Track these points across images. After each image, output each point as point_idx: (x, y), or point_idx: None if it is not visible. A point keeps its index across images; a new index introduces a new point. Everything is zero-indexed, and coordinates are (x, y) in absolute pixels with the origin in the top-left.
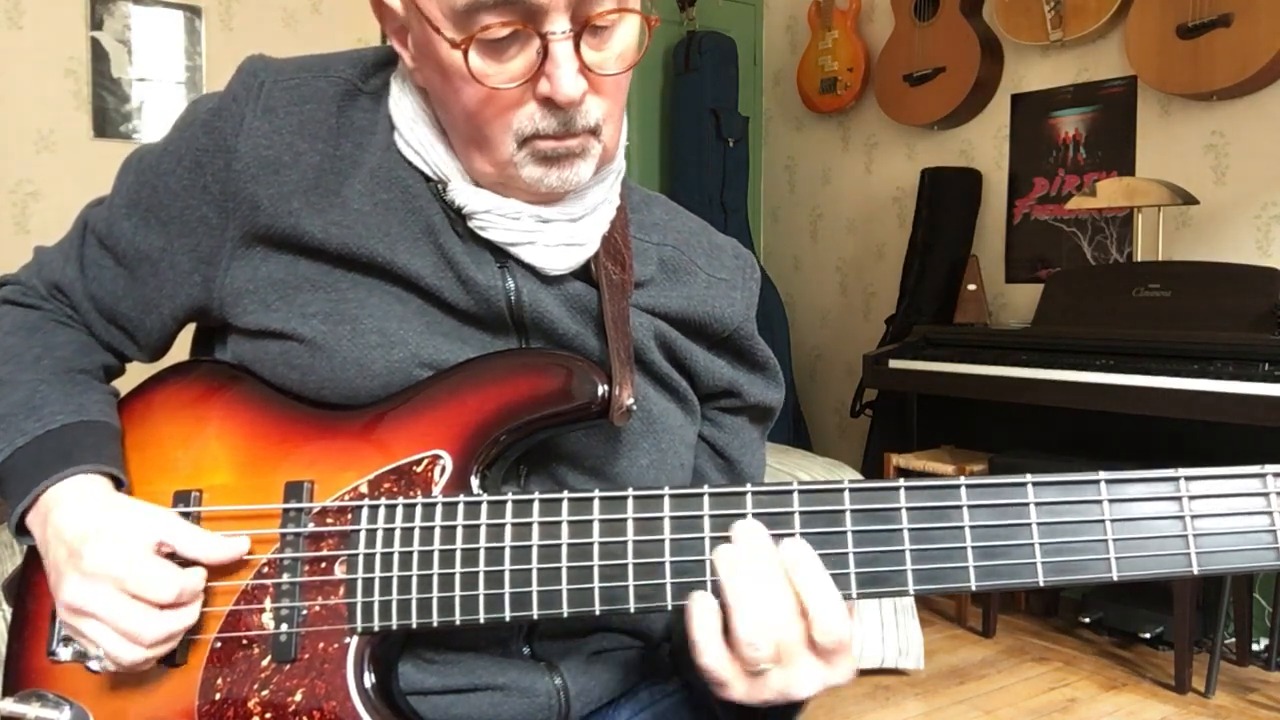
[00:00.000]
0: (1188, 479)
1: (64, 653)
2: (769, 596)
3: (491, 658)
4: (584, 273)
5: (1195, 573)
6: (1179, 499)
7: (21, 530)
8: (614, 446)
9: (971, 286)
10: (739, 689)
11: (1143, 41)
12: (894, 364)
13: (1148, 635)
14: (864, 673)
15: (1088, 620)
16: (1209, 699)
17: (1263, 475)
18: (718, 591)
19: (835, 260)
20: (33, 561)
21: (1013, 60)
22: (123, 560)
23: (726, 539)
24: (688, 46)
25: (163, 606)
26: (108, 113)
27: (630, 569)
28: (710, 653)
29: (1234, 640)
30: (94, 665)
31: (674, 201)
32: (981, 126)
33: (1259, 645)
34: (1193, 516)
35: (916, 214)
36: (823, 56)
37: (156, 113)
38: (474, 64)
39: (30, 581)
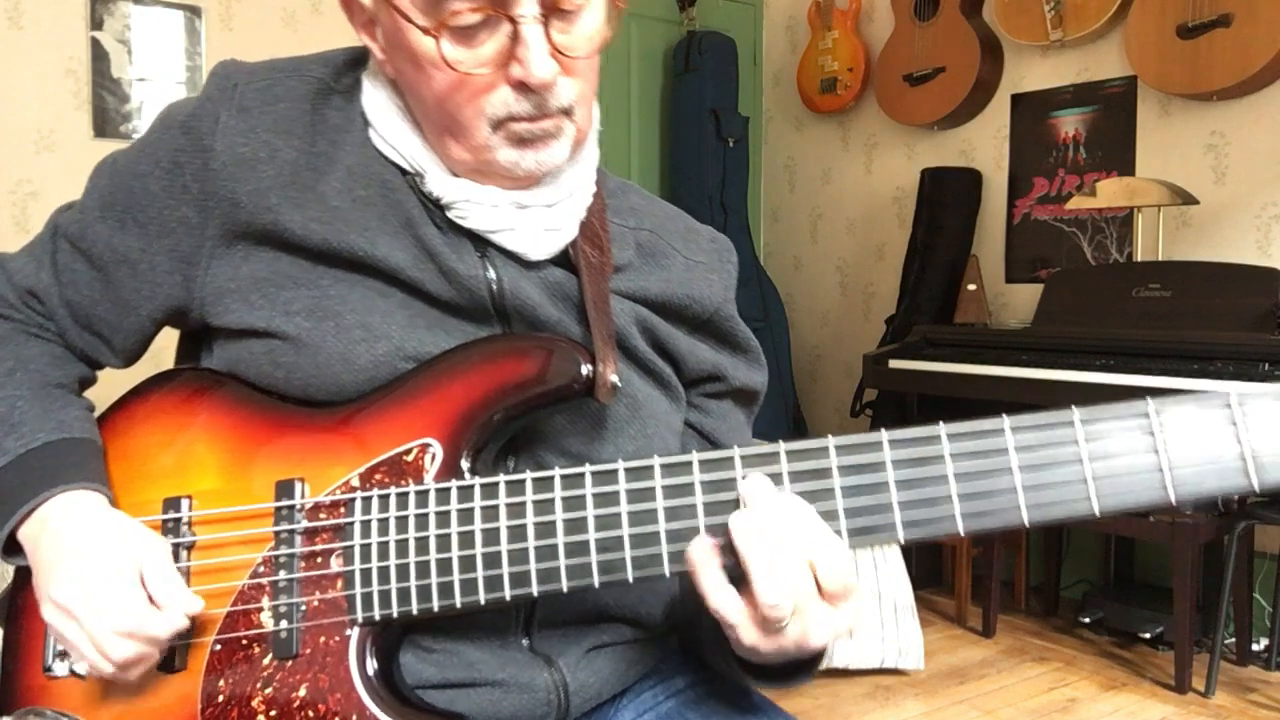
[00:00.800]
0: (1158, 410)
1: (60, 668)
2: (785, 556)
3: (490, 651)
4: (563, 260)
5: (1173, 499)
6: (1151, 431)
7: (9, 550)
8: (600, 433)
9: (971, 286)
10: (751, 635)
11: (1143, 41)
12: (894, 364)
13: (1148, 635)
14: (864, 673)
15: (1088, 620)
16: (1209, 699)
17: (1227, 397)
18: (734, 553)
19: (835, 260)
20: (22, 581)
21: (1013, 60)
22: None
23: (720, 504)
24: (688, 46)
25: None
26: (108, 113)
27: (626, 539)
28: (716, 595)
29: (1234, 640)
30: (80, 669)
31: (674, 202)
32: (981, 126)
33: (1259, 645)
34: (1166, 446)
35: (916, 214)
36: (823, 56)
37: (156, 112)
38: (445, 50)
39: (21, 601)
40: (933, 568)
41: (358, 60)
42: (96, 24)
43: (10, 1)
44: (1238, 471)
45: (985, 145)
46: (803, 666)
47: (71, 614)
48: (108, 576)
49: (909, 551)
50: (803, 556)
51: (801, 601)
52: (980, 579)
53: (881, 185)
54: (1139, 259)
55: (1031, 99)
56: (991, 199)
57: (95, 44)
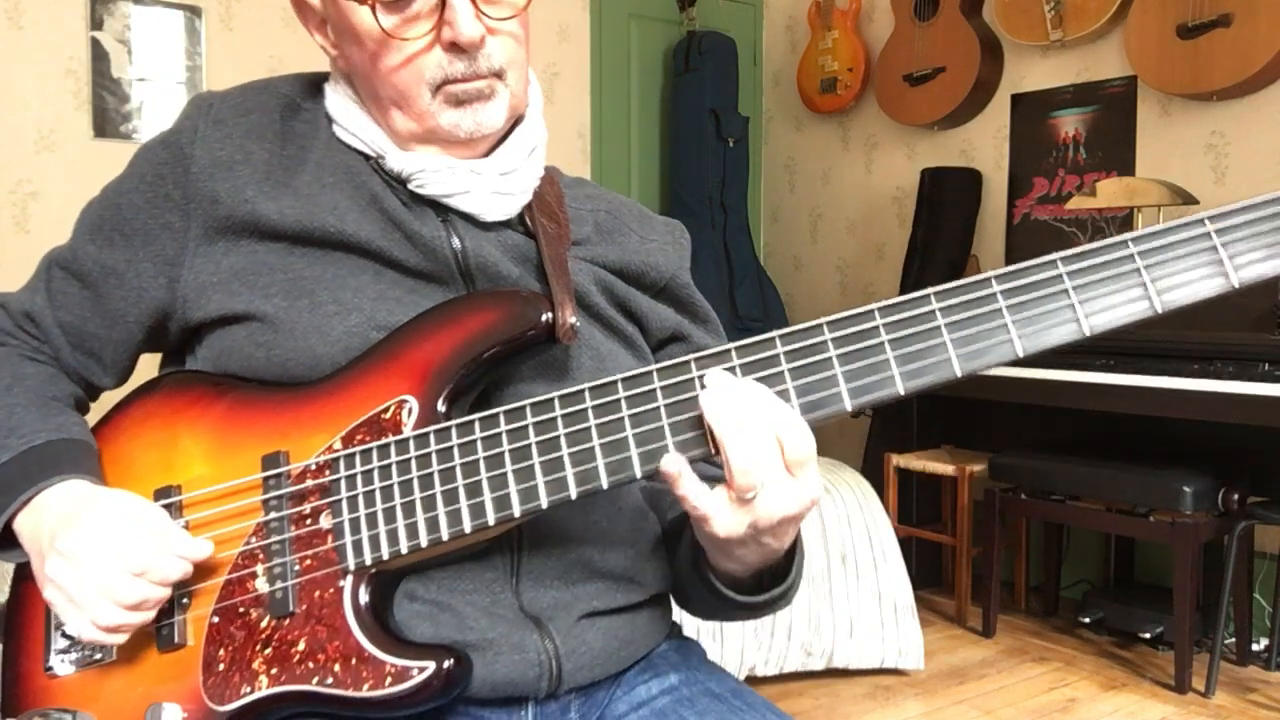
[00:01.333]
0: (1064, 259)
1: (60, 666)
2: (753, 428)
3: (481, 609)
4: (521, 226)
5: (1086, 333)
6: (1065, 289)
7: (6, 544)
8: (566, 385)
9: None
10: (724, 519)
11: (1143, 41)
12: None
13: (1148, 635)
14: (864, 673)
15: (1088, 620)
16: (1209, 699)
17: (1124, 241)
18: (702, 443)
19: (835, 260)
20: (19, 589)
21: (1013, 60)
22: (113, 534)
23: (681, 403)
24: (688, 46)
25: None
26: (108, 113)
27: (597, 449)
28: (691, 491)
29: (1234, 640)
30: (72, 630)
31: (674, 202)
32: (981, 126)
33: (1259, 645)
34: (1075, 288)
35: (916, 214)
36: (823, 56)
37: (156, 113)
38: (382, 20)
39: (18, 611)
40: (933, 568)
41: (322, 81)
42: (96, 24)
43: (10, 1)
44: (1142, 299)
45: (985, 145)
46: (775, 581)
47: (78, 560)
48: (116, 522)
49: (909, 551)
50: (769, 430)
51: (771, 473)
52: (980, 579)
53: (881, 185)
54: None
55: (1031, 99)
56: (991, 199)
57: (95, 44)
